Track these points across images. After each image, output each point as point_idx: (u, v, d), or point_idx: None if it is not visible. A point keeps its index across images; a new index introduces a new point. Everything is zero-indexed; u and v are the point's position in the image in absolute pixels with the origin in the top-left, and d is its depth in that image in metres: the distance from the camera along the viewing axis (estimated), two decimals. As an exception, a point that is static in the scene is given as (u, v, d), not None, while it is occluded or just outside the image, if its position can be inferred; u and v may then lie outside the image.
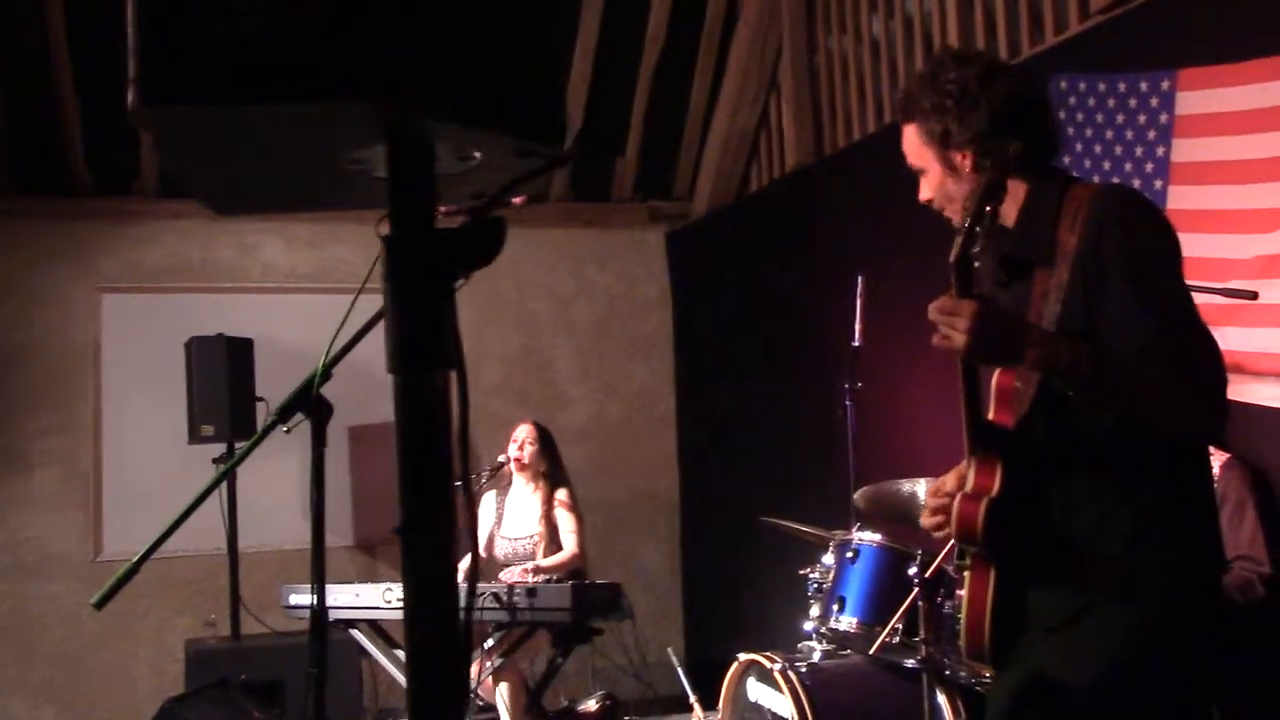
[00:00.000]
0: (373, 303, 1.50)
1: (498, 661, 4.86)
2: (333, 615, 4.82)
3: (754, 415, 6.74)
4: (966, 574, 2.23)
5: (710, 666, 4.79)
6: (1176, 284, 2.22)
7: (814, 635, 4.08)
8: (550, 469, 5.64)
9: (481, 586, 4.77)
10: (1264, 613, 3.39)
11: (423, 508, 0.99)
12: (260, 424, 2.37)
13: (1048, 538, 2.23)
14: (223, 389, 6.00)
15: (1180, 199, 3.92)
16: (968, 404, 2.18)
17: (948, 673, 3.71)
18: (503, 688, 4.98)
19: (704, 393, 7.47)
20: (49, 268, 6.79)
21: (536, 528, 5.53)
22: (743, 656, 4.14)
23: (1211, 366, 2.15)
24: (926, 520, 2.30)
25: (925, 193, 2.41)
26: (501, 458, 5.64)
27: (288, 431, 2.33)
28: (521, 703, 5.03)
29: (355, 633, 5.08)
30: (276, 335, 6.43)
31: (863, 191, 5.63)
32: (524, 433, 5.70)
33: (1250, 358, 3.59)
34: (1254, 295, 3.54)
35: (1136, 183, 4.03)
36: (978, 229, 2.10)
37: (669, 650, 5.46)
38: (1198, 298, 2.27)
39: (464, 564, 5.94)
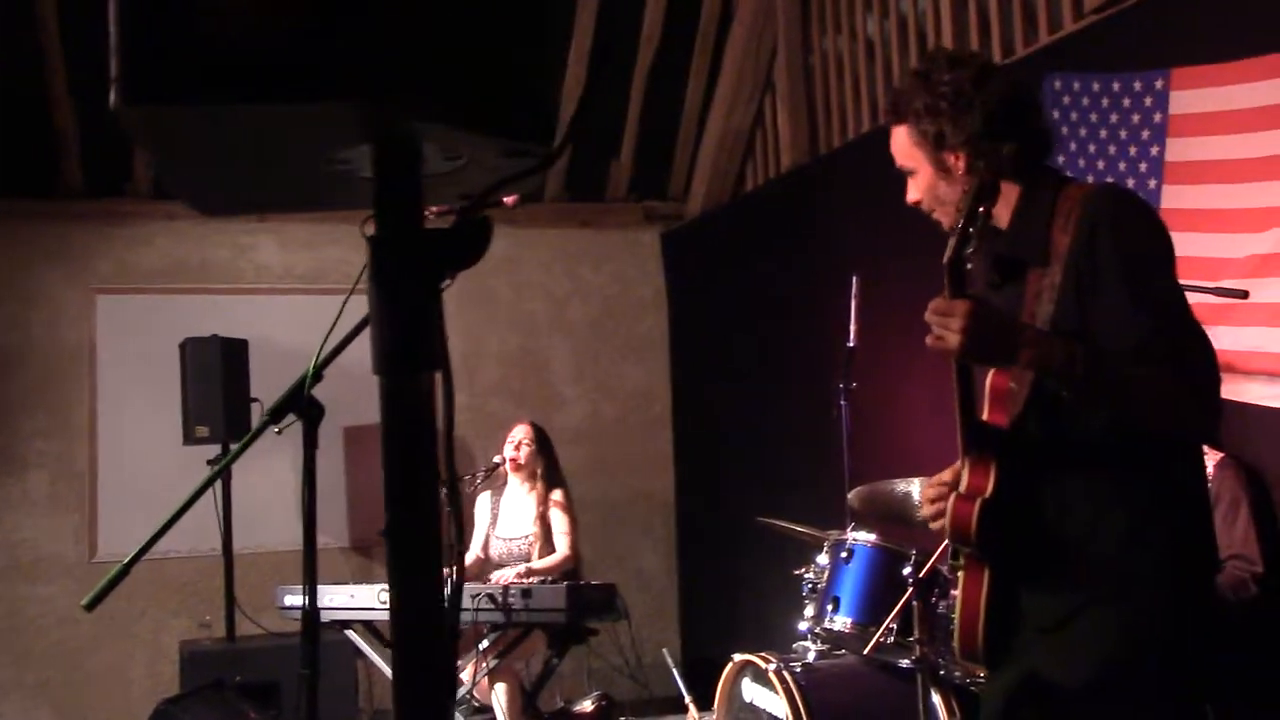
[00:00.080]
0: (366, 304, 1.49)
1: (493, 662, 4.85)
2: (328, 616, 4.82)
3: (749, 415, 6.74)
4: (960, 574, 2.23)
5: (706, 666, 4.79)
6: (1170, 283, 2.21)
7: (809, 635, 4.07)
8: (546, 470, 5.64)
9: (477, 587, 4.77)
10: (1257, 612, 3.40)
11: (408, 510, 0.99)
12: (255, 425, 2.36)
13: (1042, 538, 2.22)
14: (218, 390, 5.99)
15: (1174, 198, 3.92)
16: (961, 404, 2.18)
17: (942, 672, 3.71)
18: (498, 689, 4.98)
19: (699, 393, 7.47)
20: (43, 269, 6.78)
21: (531, 528, 5.52)
22: (738, 657, 4.14)
23: (1206, 366, 2.15)
24: (926, 511, 2.30)
25: (913, 194, 2.41)
26: (497, 458, 5.64)
27: (279, 433, 2.33)
28: (517, 704, 5.03)
29: (350, 633, 5.08)
30: (271, 336, 6.42)
31: (858, 191, 5.63)
32: (520, 433, 5.69)
33: (1242, 357, 3.59)
34: (1245, 294, 3.54)
35: (1130, 182, 4.03)
36: (971, 230, 2.10)
37: (664, 651, 5.46)
38: (1190, 297, 2.27)
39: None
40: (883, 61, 6.02)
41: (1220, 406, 2.17)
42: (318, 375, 2.26)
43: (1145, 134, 4.03)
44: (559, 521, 5.50)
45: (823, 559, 4.05)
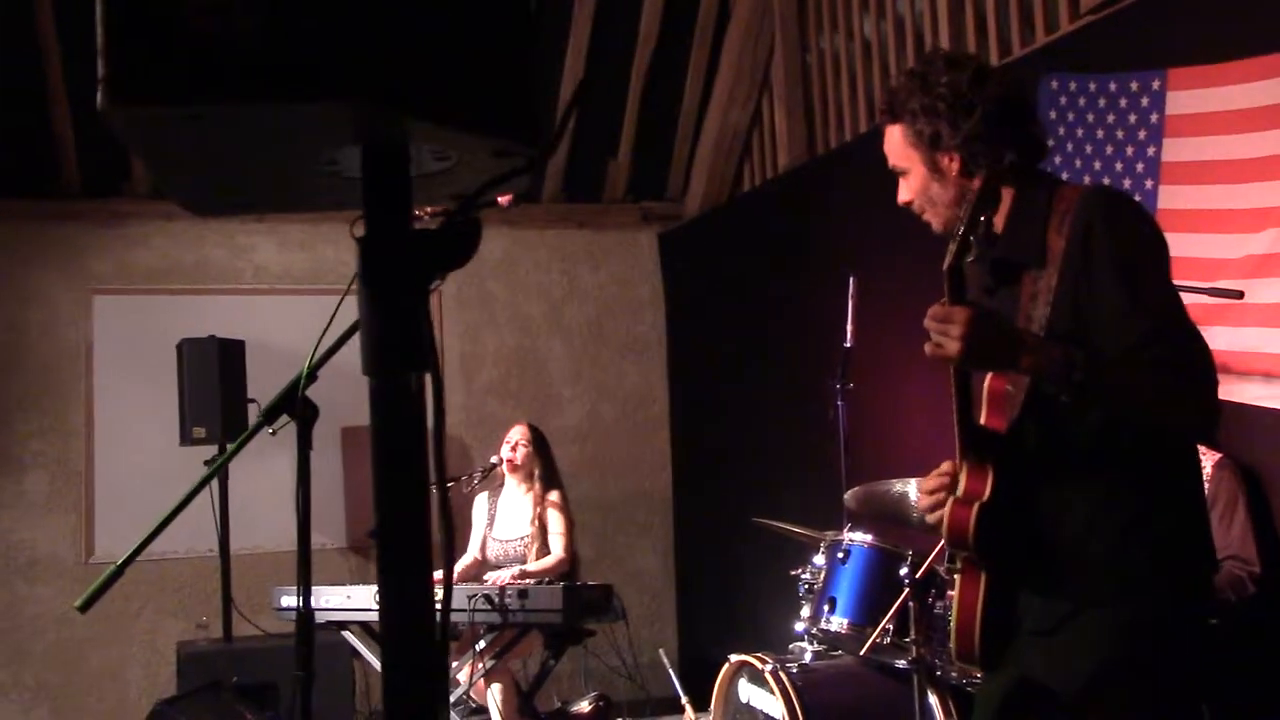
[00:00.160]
0: (358, 304, 1.49)
1: (490, 663, 4.85)
2: (324, 617, 4.82)
3: (746, 415, 6.74)
4: (957, 577, 2.23)
5: (704, 667, 4.79)
6: (1165, 285, 2.21)
7: (805, 636, 4.07)
8: (543, 471, 5.64)
9: (474, 588, 4.77)
10: (1255, 611, 3.40)
11: (397, 511, 0.98)
12: (250, 426, 2.35)
13: (1039, 541, 2.22)
14: (215, 391, 5.99)
15: (1171, 199, 3.92)
16: (959, 409, 2.18)
17: (938, 673, 3.71)
18: (494, 689, 4.98)
19: (697, 393, 7.47)
20: (41, 269, 6.78)
21: (528, 529, 5.52)
22: (734, 657, 4.13)
23: (1203, 367, 2.15)
24: (924, 501, 2.30)
25: (904, 195, 2.40)
26: (494, 459, 5.64)
27: (273, 433, 2.32)
28: (513, 704, 5.03)
29: (347, 634, 5.08)
30: (268, 337, 6.42)
31: (855, 192, 5.62)
32: (517, 434, 5.69)
33: (1238, 357, 3.59)
34: (1240, 295, 3.54)
35: (1127, 183, 4.03)
36: (972, 238, 2.10)
37: (661, 651, 5.45)
38: (1185, 297, 2.27)
39: (461, 565, 5.93)
40: (880, 61, 6.02)
41: (1218, 407, 2.17)
42: (312, 376, 2.26)
43: (1142, 134, 4.03)
44: (555, 523, 5.50)
45: (819, 559, 4.04)
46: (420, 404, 1.01)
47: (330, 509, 6.82)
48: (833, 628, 3.86)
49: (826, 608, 3.88)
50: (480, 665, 4.85)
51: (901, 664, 3.73)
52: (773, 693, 3.85)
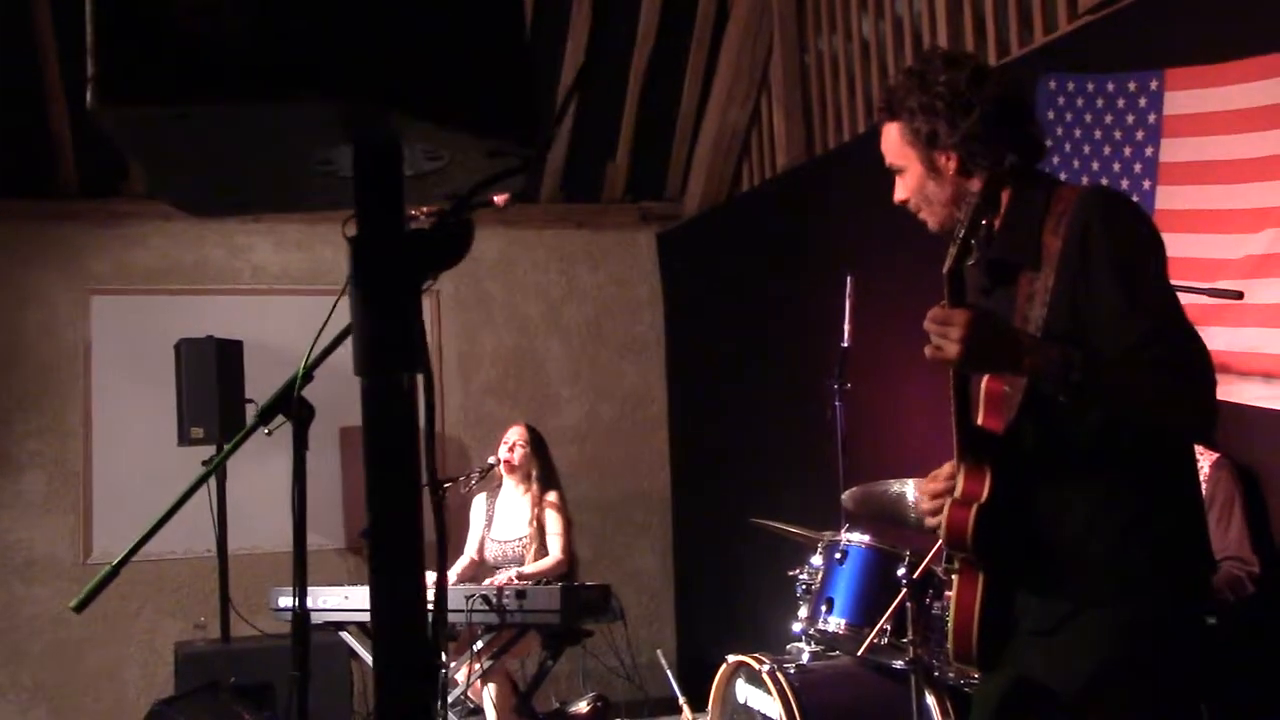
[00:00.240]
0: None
1: (488, 663, 4.85)
2: (322, 618, 4.82)
3: (745, 415, 6.74)
4: (954, 578, 2.22)
5: (702, 667, 4.79)
6: (1163, 285, 2.21)
7: (803, 636, 4.07)
8: (541, 471, 5.63)
9: (471, 589, 4.76)
10: (1254, 611, 3.39)
11: (389, 511, 0.98)
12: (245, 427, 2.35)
13: (1037, 541, 2.22)
14: (213, 391, 5.98)
15: (1169, 199, 3.91)
16: (958, 411, 2.18)
17: (936, 674, 3.71)
18: (490, 689, 4.97)
19: (695, 393, 7.46)
20: (39, 269, 6.77)
21: (526, 530, 5.52)
22: (732, 658, 4.13)
23: (1201, 367, 2.15)
24: (926, 505, 2.29)
25: (901, 193, 2.40)
26: (492, 459, 5.63)
27: (269, 434, 2.32)
28: (510, 704, 5.02)
29: (345, 635, 5.07)
30: (266, 337, 6.41)
31: (853, 192, 5.62)
32: (515, 435, 5.69)
33: (1237, 357, 3.59)
34: (1239, 295, 3.54)
35: (1125, 183, 4.03)
36: (973, 241, 2.10)
37: (658, 652, 5.45)
38: (1184, 298, 2.26)
39: (459, 566, 5.93)
40: (878, 62, 6.02)
41: (1216, 407, 2.17)
42: (308, 376, 2.26)
43: (1140, 134, 4.03)
44: (553, 524, 5.50)
45: (817, 560, 4.04)
46: (413, 404, 1.01)
47: (328, 509, 6.82)
48: (830, 628, 3.86)
49: (824, 608, 3.88)
50: (478, 665, 4.85)
51: (899, 664, 3.73)
52: (770, 693, 3.84)
